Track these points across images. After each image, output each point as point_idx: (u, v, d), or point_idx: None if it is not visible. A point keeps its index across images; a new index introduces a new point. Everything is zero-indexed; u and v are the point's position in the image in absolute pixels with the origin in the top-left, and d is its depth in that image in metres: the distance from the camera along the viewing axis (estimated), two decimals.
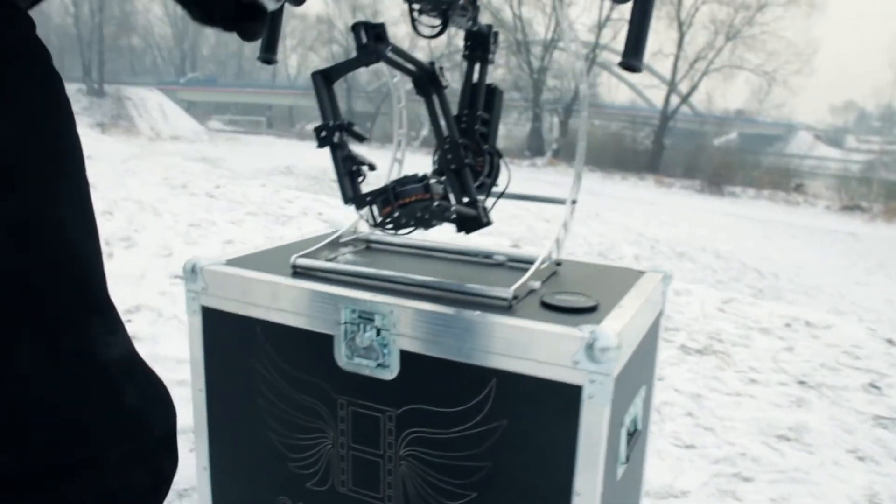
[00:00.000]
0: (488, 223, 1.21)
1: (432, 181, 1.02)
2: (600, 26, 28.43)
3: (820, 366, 2.96)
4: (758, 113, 34.05)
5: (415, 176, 1.03)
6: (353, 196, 1.03)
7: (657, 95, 31.39)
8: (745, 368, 2.85)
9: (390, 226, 1.05)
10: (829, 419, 2.41)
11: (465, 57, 1.33)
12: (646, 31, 1.13)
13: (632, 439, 1.28)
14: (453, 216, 1.12)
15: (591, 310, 1.17)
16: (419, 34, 1.28)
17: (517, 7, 28.82)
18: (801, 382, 2.75)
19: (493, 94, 1.34)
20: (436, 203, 1.01)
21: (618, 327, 1.07)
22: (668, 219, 13.43)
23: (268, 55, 1.42)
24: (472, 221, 1.20)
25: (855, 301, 8.01)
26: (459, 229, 1.21)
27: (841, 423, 2.39)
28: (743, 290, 7.03)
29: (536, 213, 9.53)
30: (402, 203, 1.00)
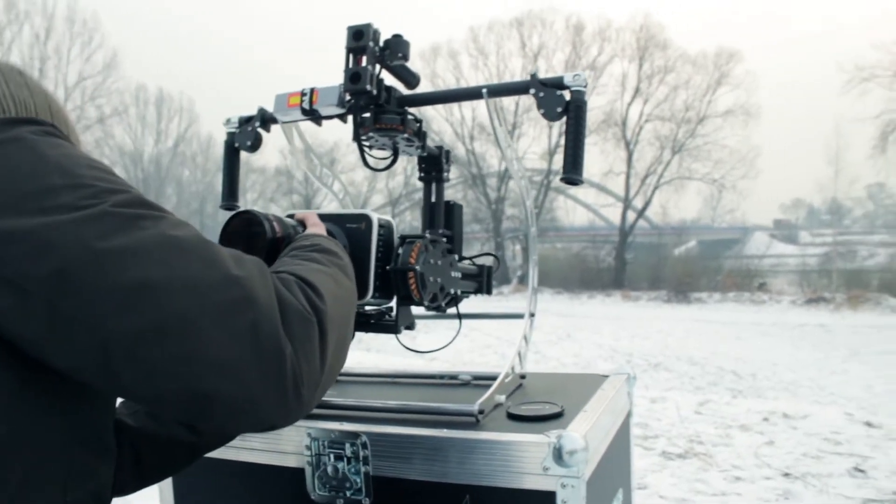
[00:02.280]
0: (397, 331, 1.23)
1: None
2: (551, 153, 29.49)
3: (802, 455, 2.95)
4: (712, 219, 35.03)
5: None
6: None
7: (614, 213, 32.26)
8: (729, 467, 2.83)
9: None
10: None
11: (420, 179, 1.39)
12: (581, 146, 1.21)
13: None
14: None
15: (556, 416, 1.19)
16: (370, 168, 1.35)
17: (469, 143, 29.93)
18: (786, 474, 2.74)
19: (451, 209, 1.39)
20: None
21: (584, 429, 1.09)
22: (639, 331, 13.50)
23: (230, 202, 1.48)
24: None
25: (835, 391, 8.02)
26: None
27: None
28: (722, 393, 7.03)
29: (508, 339, 9.55)
30: None
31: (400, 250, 1.14)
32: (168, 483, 1.35)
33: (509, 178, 30.06)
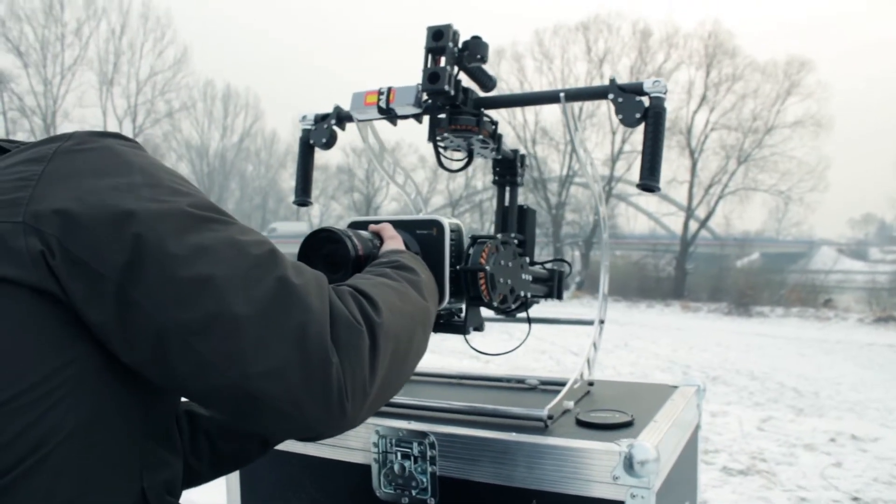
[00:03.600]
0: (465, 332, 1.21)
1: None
2: (614, 159, 29.13)
3: (873, 480, 2.86)
4: (777, 232, 34.23)
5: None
6: None
7: (675, 222, 31.70)
8: (793, 487, 2.76)
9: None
10: None
11: (494, 182, 1.39)
12: (659, 153, 1.19)
13: None
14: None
15: (626, 425, 1.17)
16: (445, 169, 1.35)
17: (532, 147, 29.79)
18: (856, 499, 2.65)
19: (525, 214, 1.38)
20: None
21: (655, 440, 1.07)
22: (697, 343, 13.24)
23: (303, 198, 1.50)
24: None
25: None
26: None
27: None
28: (783, 410, 6.85)
29: (563, 345, 9.48)
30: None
31: (471, 251, 1.14)
32: (235, 475, 1.38)
33: (570, 184, 29.88)
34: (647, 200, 34.93)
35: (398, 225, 1.14)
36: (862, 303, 21.68)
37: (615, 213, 32.92)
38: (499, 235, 1.16)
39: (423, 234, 1.14)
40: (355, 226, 1.13)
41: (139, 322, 0.65)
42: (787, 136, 28.68)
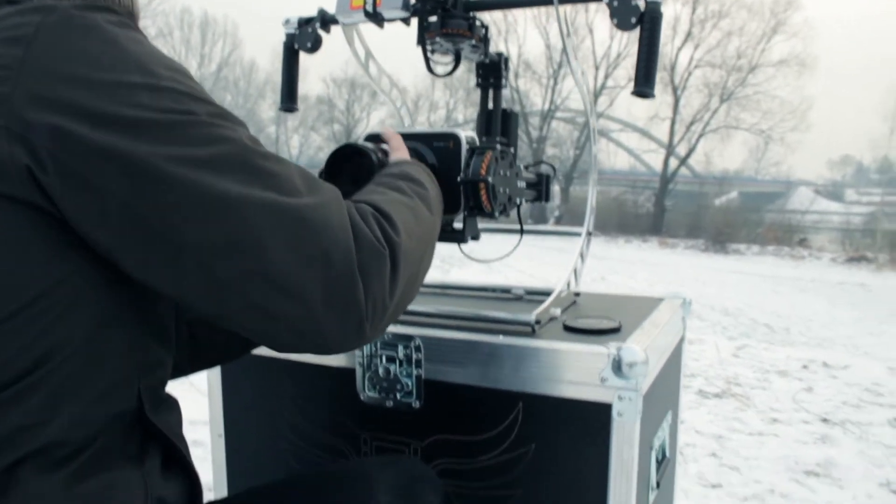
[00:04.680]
0: (463, 241, 1.20)
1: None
2: (596, 94, 28.90)
3: (842, 403, 2.92)
4: (756, 171, 34.37)
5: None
6: None
7: (656, 159, 31.71)
8: (766, 409, 2.82)
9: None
10: (857, 454, 2.37)
11: (478, 85, 1.36)
12: (655, 59, 1.16)
13: (661, 466, 1.26)
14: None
15: (614, 331, 1.17)
16: (433, 73, 1.32)
17: (514, 80, 29.45)
18: (825, 420, 2.71)
19: (508, 118, 1.36)
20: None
21: (644, 344, 1.07)
22: (673, 279, 13.38)
23: (289, 104, 1.47)
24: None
25: (869, 351, 7.90)
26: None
27: (870, 458, 2.34)
28: (759, 342, 6.98)
29: (542, 279, 9.53)
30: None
31: (471, 161, 1.11)
32: (217, 378, 1.36)
33: (552, 118, 29.72)
34: (629, 137, 34.86)
35: (417, 137, 1.13)
36: (836, 243, 21.99)
37: (595, 150, 32.78)
38: (497, 146, 1.14)
39: (440, 147, 1.12)
40: (372, 138, 1.10)
41: (149, 243, 0.62)
42: (770, 75, 28.57)
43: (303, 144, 35.79)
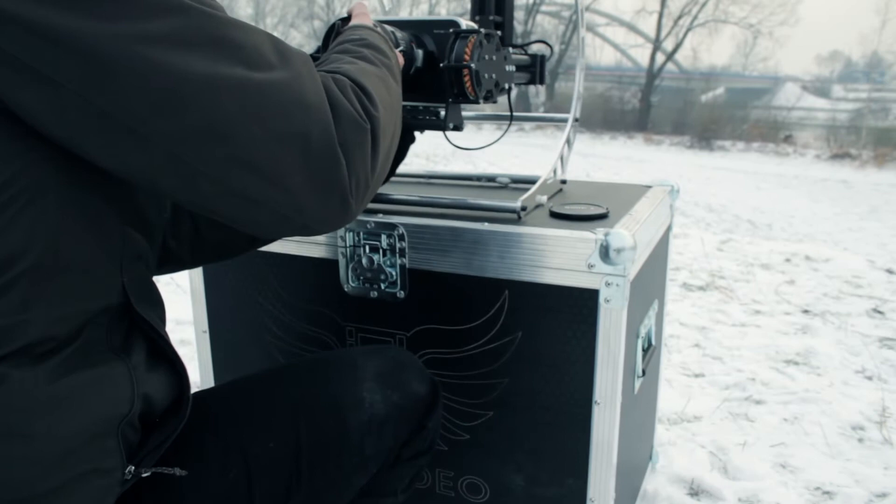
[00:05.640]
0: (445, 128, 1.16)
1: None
2: None
3: (823, 295, 2.96)
4: (744, 67, 33.91)
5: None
6: None
7: (642, 54, 31.08)
8: (749, 301, 2.84)
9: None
10: (835, 343, 2.40)
11: None
12: None
13: (647, 354, 1.26)
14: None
15: (601, 217, 1.15)
16: None
17: None
18: (806, 311, 2.75)
19: None
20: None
21: (632, 230, 1.05)
22: (658, 175, 13.39)
23: None
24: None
25: (848, 247, 8.01)
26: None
27: (847, 347, 2.38)
28: (743, 236, 7.03)
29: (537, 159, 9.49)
30: None
31: (455, 46, 1.06)
32: (199, 274, 1.34)
33: (536, 12, 28.96)
34: (615, 31, 34.13)
35: (413, 25, 1.09)
36: (821, 139, 21.91)
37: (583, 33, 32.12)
38: (482, 29, 1.08)
39: (440, 34, 1.08)
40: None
41: (112, 134, 0.57)
42: None
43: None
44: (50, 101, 0.55)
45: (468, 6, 1.33)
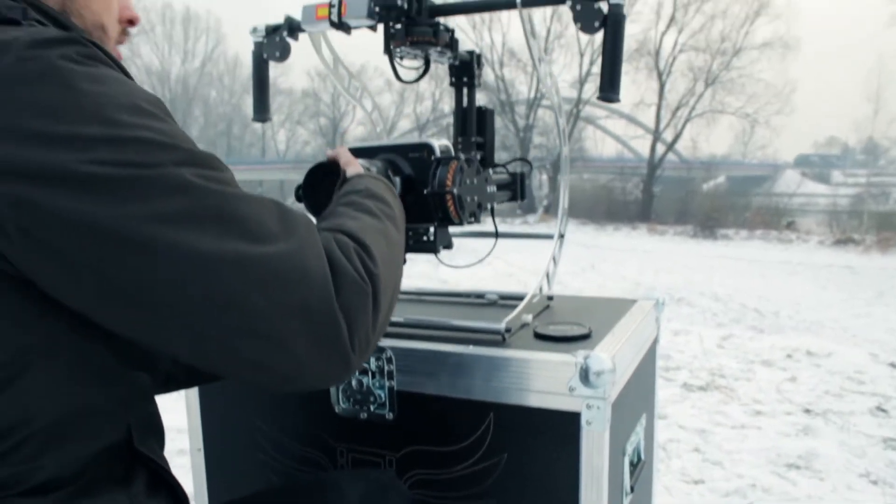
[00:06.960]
0: (435, 251, 1.22)
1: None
2: (581, 82, 28.77)
3: (824, 393, 2.94)
4: (743, 155, 34.44)
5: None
6: None
7: (643, 145, 31.66)
8: (749, 401, 2.83)
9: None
10: (837, 445, 2.38)
11: (452, 84, 1.36)
12: (618, 63, 1.16)
13: (635, 469, 1.27)
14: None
15: (583, 337, 1.17)
16: (401, 80, 1.32)
17: (499, 69, 29.37)
18: (807, 410, 2.73)
19: (483, 115, 1.35)
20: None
21: (611, 351, 1.07)
22: (663, 265, 13.42)
23: (262, 115, 1.46)
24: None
25: (857, 333, 7.94)
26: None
27: (850, 448, 2.36)
28: (744, 329, 7.00)
29: (533, 270, 9.54)
30: None
31: (437, 173, 1.12)
32: (194, 393, 1.37)
33: (538, 106, 29.62)
34: (615, 123, 34.82)
35: (389, 149, 1.15)
36: (823, 225, 22.04)
37: (583, 137, 32.82)
38: (462, 156, 1.14)
39: (415, 158, 1.14)
40: (321, 166, 1.10)
41: (127, 306, 0.61)
42: (754, 57, 28.60)
43: (289, 139, 35.66)
44: (65, 273, 0.60)
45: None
